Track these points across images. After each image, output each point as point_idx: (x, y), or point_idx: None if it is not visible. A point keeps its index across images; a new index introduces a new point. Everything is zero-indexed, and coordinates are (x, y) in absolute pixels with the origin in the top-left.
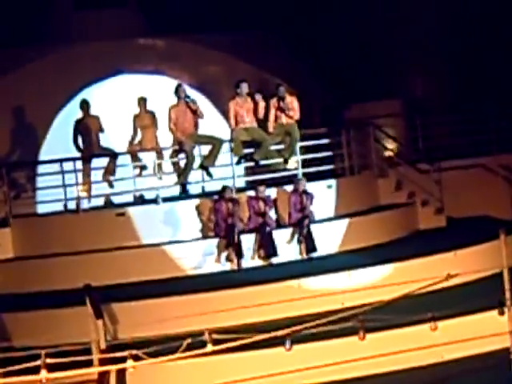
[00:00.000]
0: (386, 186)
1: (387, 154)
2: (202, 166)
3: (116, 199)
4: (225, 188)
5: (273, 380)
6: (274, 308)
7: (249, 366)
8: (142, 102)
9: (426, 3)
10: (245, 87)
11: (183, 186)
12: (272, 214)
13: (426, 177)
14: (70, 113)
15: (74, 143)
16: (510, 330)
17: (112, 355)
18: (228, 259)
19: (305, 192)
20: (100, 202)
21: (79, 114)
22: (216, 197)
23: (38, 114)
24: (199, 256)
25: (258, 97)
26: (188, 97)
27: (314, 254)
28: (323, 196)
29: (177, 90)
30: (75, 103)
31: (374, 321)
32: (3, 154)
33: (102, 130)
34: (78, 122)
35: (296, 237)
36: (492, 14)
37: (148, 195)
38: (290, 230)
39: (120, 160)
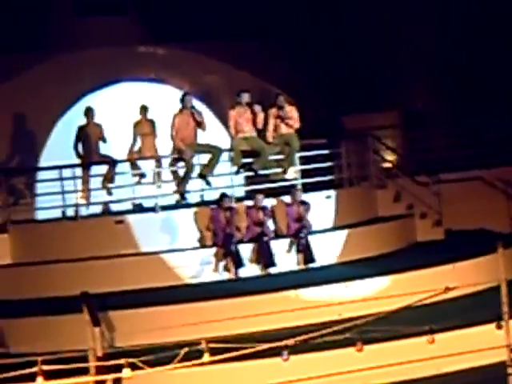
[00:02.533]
0: (384, 197)
1: (386, 165)
2: (201, 175)
3: (115, 207)
4: (223, 196)
5: None
6: (272, 318)
7: (246, 376)
8: (143, 110)
9: (426, 15)
10: (245, 97)
11: (182, 194)
12: (270, 223)
13: (425, 189)
14: (70, 120)
15: (74, 149)
16: (507, 343)
17: (109, 363)
18: (226, 269)
19: (302, 202)
20: (99, 209)
21: (83, 121)
22: (214, 206)
23: (37, 120)
24: (197, 265)
25: (258, 108)
26: (193, 107)
27: (312, 265)
28: (322, 207)
29: (183, 99)
30: (75, 110)
31: (371, 332)
32: (2, 160)
33: (103, 140)
34: (81, 129)
35: (294, 247)
36: (492, 27)
37: (147, 203)
38: (288, 241)
39: (119, 168)
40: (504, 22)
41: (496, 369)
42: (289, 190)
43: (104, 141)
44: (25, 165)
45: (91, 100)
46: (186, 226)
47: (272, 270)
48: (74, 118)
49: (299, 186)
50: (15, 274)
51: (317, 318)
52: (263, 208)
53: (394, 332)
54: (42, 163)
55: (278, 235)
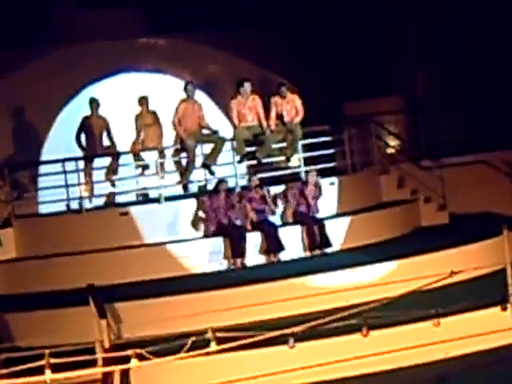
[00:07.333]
0: (388, 182)
1: (389, 150)
2: (204, 165)
3: (119, 198)
4: (219, 182)
5: (277, 378)
6: (278, 306)
7: (253, 364)
8: (144, 101)
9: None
10: (247, 86)
11: (185, 185)
12: (273, 210)
13: (429, 173)
14: (71, 112)
15: (76, 139)
16: None
17: (116, 354)
18: (225, 256)
19: (306, 185)
20: (103, 201)
21: (85, 112)
22: (213, 193)
23: (39, 114)
24: (202, 255)
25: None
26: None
27: (318, 251)
28: (326, 193)
29: (186, 88)
30: (76, 102)
31: (378, 318)
32: (5, 154)
33: (108, 132)
34: (85, 120)
35: (300, 233)
36: (494, 11)
37: (150, 194)
38: (293, 227)
39: (122, 159)
40: (507, 4)
41: (503, 351)
42: (292, 177)
43: (108, 134)
44: (28, 159)
45: (92, 91)
46: (190, 217)
47: (277, 257)
48: (75, 110)
49: (314, 172)
50: (20, 268)
51: (324, 304)
52: (263, 194)
53: (400, 317)
54: (45, 156)
55: (283, 222)
